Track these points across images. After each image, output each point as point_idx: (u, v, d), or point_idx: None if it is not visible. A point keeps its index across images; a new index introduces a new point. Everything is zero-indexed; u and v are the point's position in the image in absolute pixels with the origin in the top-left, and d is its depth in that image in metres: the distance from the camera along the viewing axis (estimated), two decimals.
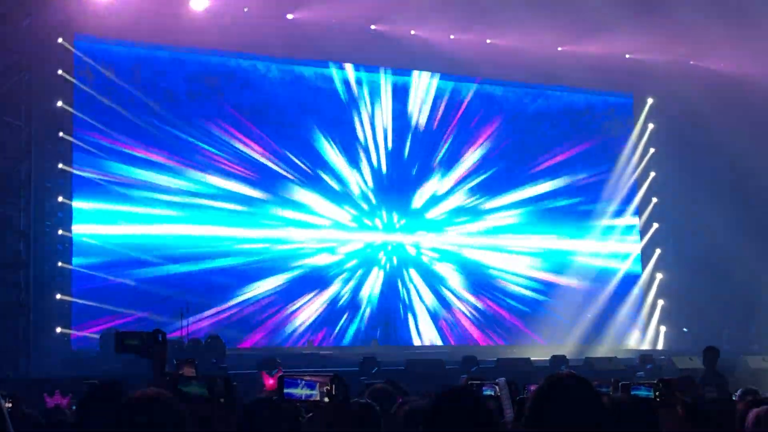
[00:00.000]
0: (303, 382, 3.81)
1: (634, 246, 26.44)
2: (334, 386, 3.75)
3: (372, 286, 22.90)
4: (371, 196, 23.37)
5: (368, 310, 22.56)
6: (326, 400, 3.73)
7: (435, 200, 24.02)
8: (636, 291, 26.06)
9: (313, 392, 3.78)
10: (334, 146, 22.89)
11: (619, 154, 26.33)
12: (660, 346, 25.53)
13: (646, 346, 25.36)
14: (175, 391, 3.54)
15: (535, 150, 25.22)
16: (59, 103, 19.52)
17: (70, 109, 19.76)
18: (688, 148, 24.59)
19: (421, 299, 23.21)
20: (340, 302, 22.45)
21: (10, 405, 5.82)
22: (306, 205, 22.58)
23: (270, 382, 7.24)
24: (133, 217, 20.72)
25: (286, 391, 3.78)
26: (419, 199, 23.82)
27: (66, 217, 19.96)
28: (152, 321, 19.65)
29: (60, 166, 19.68)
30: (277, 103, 22.58)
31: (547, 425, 3.47)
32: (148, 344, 4.73)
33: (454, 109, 24.31)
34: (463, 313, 23.48)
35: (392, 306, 22.74)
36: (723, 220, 23.97)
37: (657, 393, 4.39)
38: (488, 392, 5.37)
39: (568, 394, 3.50)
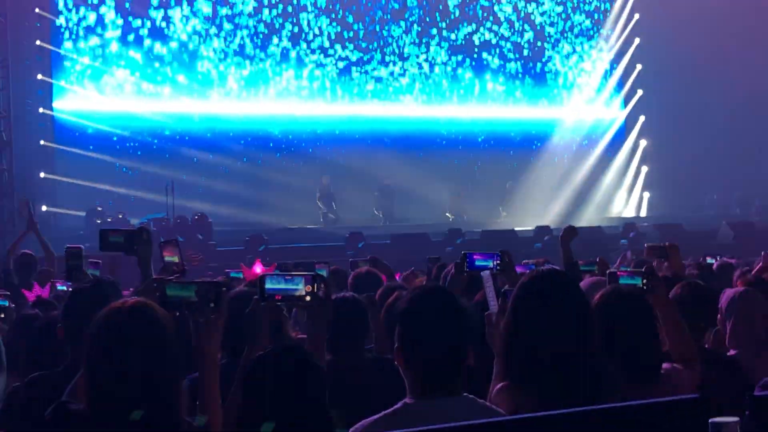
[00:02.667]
0: (284, 279, 3.80)
1: (618, 113, 26.42)
2: (315, 285, 3.74)
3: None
4: None
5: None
6: (308, 299, 3.72)
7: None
8: (620, 158, 26.12)
9: (296, 287, 3.77)
10: None
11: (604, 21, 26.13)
12: (643, 212, 25.73)
13: (630, 212, 25.56)
14: (162, 296, 3.52)
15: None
16: None
17: None
18: (675, 13, 24.22)
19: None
20: None
21: None
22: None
23: (252, 272, 7.26)
24: (115, 94, 20.54)
25: (267, 287, 3.77)
26: None
27: (46, 94, 19.75)
28: (138, 199, 19.66)
29: (38, 43, 19.37)
30: None
31: (527, 324, 3.48)
32: (132, 242, 4.70)
33: None
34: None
35: None
36: (707, 83, 23.89)
37: (644, 281, 4.38)
38: (482, 263, 5.29)
39: (550, 293, 3.50)
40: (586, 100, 25.86)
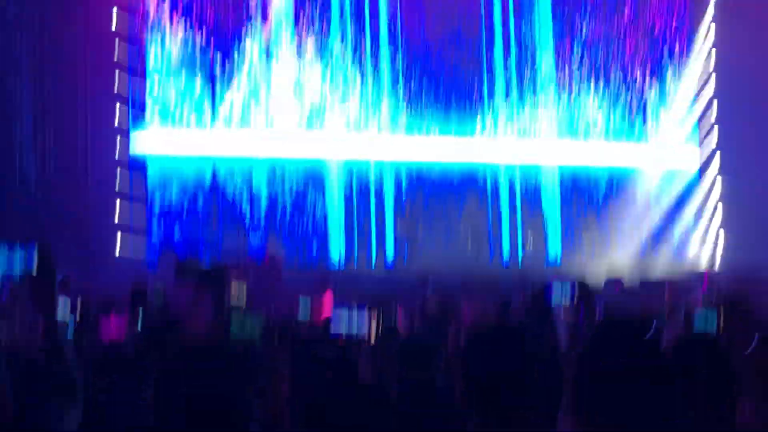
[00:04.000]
0: (349, 313, 3.80)
1: (694, 150, 25.85)
2: (381, 320, 3.73)
3: None
4: None
5: None
6: (372, 340, 3.72)
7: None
8: (695, 198, 25.57)
9: (362, 325, 3.76)
10: None
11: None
12: (718, 259, 25.15)
13: (704, 257, 25.01)
14: (228, 331, 3.56)
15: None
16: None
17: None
18: (754, 48, 23.77)
19: None
20: None
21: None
22: None
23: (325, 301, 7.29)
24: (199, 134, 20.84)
25: (332, 326, 3.78)
26: None
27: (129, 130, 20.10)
28: (213, 240, 19.96)
29: (116, 91, 19.73)
30: None
31: (599, 366, 3.43)
32: (208, 277, 4.74)
33: None
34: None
35: None
36: None
37: (722, 319, 4.28)
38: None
39: (622, 340, 3.46)
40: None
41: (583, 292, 5.13)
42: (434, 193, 22.64)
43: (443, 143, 22.98)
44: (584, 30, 24.44)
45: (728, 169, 25.35)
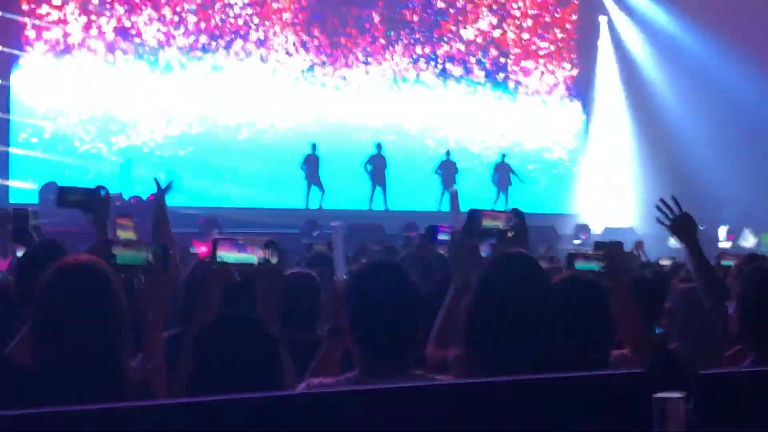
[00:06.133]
0: (237, 244, 3.78)
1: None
2: (269, 251, 3.71)
3: None
4: None
5: None
6: (260, 264, 3.71)
7: None
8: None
9: (249, 256, 3.75)
10: None
11: None
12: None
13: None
14: (109, 257, 3.47)
15: None
16: None
17: None
18: None
19: None
20: None
21: None
22: None
23: (202, 249, 7.19)
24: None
25: (219, 254, 3.75)
26: None
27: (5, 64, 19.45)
28: (94, 173, 19.51)
29: None
30: None
31: (492, 303, 3.43)
32: (91, 199, 4.65)
33: None
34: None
35: None
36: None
37: (603, 265, 4.36)
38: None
39: (516, 273, 3.46)
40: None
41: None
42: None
43: None
44: None
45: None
